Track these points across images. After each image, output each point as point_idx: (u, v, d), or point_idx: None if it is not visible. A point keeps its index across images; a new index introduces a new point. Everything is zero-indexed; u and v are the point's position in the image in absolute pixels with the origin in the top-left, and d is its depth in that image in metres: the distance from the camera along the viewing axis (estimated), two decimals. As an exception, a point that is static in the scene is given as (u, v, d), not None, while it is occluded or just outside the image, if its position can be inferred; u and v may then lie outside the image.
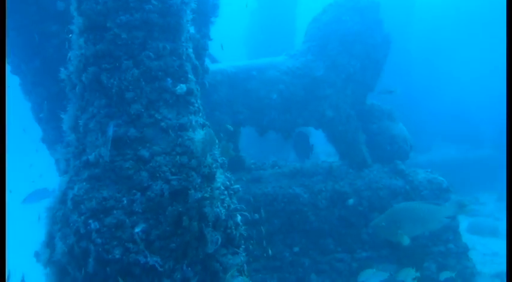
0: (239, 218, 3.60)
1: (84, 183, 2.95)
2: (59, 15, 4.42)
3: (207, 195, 3.16)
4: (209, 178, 3.30)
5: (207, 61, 7.10)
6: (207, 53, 7.34)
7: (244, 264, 3.53)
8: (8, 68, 4.80)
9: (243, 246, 3.58)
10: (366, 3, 6.33)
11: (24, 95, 5.03)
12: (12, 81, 5.17)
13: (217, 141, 3.62)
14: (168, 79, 3.32)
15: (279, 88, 6.13)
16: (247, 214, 3.49)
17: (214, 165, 3.44)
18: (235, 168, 6.62)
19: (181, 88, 3.37)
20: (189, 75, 3.46)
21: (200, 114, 3.69)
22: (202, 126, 3.62)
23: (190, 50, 3.60)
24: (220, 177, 3.49)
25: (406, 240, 4.02)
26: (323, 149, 11.85)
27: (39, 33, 4.57)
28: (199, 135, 3.43)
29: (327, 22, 6.31)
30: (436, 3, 17.84)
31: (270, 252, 5.26)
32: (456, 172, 11.95)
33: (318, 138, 9.08)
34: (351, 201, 5.69)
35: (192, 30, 4.31)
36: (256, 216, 5.57)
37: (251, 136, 8.44)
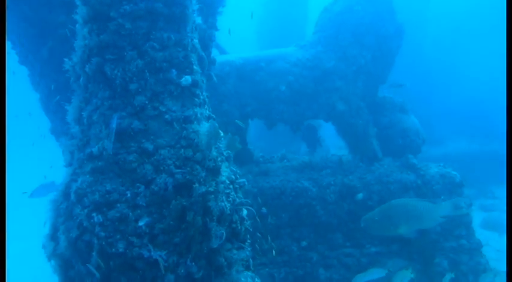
0: (245, 212, 3.55)
1: (88, 176, 2.92)
2: (67, 5, 4.37)
3: (211, 189, 3.11)
4: (214, 172, 3.25)
5: (215, 52, 7.03)
6: (215, 43, 7.26)
7: (250, 259, 3.48)
8: (14, 59, 4.79)
9: (248, 241, 3.53)
10: (378, -8, 6.15)
11: (32, 86, 5.03)
12: (21, 72, 5.19)
13: (222, 134, 3.55)
14: (173, 70, 3.26)
15: (288, 80, 6.03)
16: (252, 209, 3.43)
17: (219, 159, 3.38)
18: (243, 161, 6.57)
19: (187, 80, 3.30)
20: (195, 67, 3.39)
21: (206, 106, 3.62)
22: (208, 118, 3.55)
23: (196, 41, 3.52)
24: (226, 171, 3.44)
25: (402, 232, 3.98)
26: (333, 142, 11.71)
27: (47, 23, 4.53)
28: (204, 127, 3.37)
29: (338, 12, 6.16)
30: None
31: (274, 252, 5.18)
32: (471, 165, 11.73)
33: (328, 131, 8.96)
34: (360, 195, 5.59)
35: (198, 20, 4.23)
36: (264, 210, 5.52)
37: (261, 128, 8.35)
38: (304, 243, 5.60)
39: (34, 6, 4.42)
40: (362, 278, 4.36)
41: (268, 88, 6.07)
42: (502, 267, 6.72)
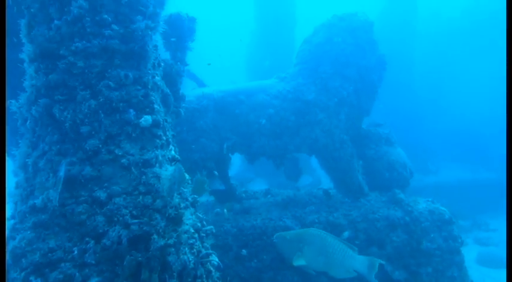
0: (215, 262, 3.22)
1: (29, 232, 2.60)
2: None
3: (171, 241, 2.79)
4: (176, 221, 2.94)
5: (193, 85, 6.85)
6: (192, 76, 7.08)
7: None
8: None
9: (217, 296, 3.18)
10: (358, 24, 6.04)
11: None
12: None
13: (188, 177, 3.27)
14: (131, 110, 3.00)
15: (268, 113, 5.80)
16: (219, 262, 3.10)
17: (183, 205, 3.08)
18: (225, 198, 6.26)
19: (146, 120, 3.05)
20: (156, 106, 3.14)
21: (170, 147, 3.36)
22: (172, 160, 3.28)
23: (159, 78, 3.29)
24: (190, 219, 3.13)
25: (300, 262, 3.64)
26: (324, 172, 11.43)
27: (7, 61, 4.31)
28: (167, 171, 3.09)
29: (317, 44, 6.03)
30: (440, 16, 17.69)
31: None
32: (465, 195, 11.42)
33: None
34: (346, 234, 5.26)
35: (166, 55, 4.02)
36: (244, 252, 5.16)
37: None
38: (287, 288, 5.20)
39: (-5, 42, 4.21)
40: None
41: (249, 121, 5.83)
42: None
